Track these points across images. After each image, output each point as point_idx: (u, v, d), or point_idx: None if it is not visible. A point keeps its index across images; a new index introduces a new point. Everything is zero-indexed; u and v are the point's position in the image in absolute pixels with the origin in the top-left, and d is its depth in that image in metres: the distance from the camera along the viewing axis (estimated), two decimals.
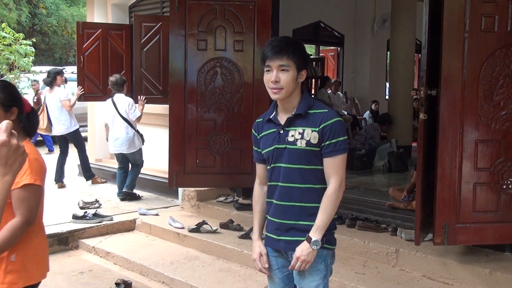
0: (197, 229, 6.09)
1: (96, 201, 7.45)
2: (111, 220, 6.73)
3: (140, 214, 6.97)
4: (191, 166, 6.37)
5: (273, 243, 2.84)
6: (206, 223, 6.13)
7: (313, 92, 13.09)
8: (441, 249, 4.79)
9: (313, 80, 13.28)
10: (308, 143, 2.68)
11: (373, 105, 12.75)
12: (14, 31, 13.83)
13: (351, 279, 4.67)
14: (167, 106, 6.53)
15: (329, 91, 12.79)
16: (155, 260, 5.65)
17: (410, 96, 9.65)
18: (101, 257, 6.09)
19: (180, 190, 7.19)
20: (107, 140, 7.87)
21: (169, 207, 7.37)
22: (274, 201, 2.82)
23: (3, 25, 13.86)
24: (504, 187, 4.29)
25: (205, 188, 6.92)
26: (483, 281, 4.39)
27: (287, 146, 2.72)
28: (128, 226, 6.78)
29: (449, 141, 4.24)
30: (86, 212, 6.76)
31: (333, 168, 2.69)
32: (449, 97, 4.22)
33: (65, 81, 9.25)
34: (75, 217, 6.66)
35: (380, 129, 9.78)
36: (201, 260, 5.60)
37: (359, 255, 5.19)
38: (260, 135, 2.85)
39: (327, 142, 2.66)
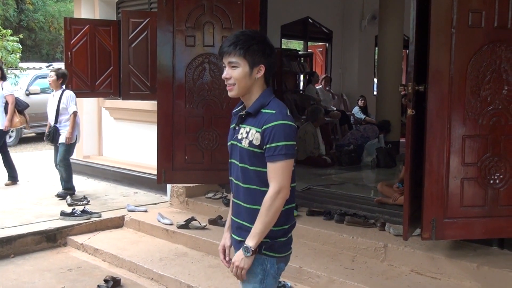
0: (186, 225, 6.09)
1: (84, 197, 7.43)
2: (100, 217, 6.71)
3: (129, 210, 6.96)
4: (179, 163, 6.36)
5: (232, 240, 2.84)
6: (195, 220, 6.13)
7: (301, 87, 13.10)
8: (429, 244, 4.81)
9: (301, 76, 13.27)
10: (251, 143, 2.60)
11: (360, 101, 12.77)
12: (1, 27, 13.72)
13: (339, 274, 4.69)
14: (155, 102, 6.51)
15: (319, 87, 12.83)
16: (144, 256, 5.65)
17: (398, 92, 9.68)
18: (89, 254, 6.07)
19: (169, 186, 7.18)
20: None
21: (158, 203, 7.36)
22: (231, 197, 2.83)
23: None
24: (491, 182, 4.32)
25: (194, 185, 6.92)
26: (471, 275, 4.42)
27: (237, 143, 2.68)
28: (117, 223, 6.76)
29: (437, 137, 4.26)
30: (74, 209, 6.73)
31: (272, 173, 2.57)
32: (436, 93, 4.24)
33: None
34: (63, 214, 6.63)
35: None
36: (190, 256, 5.60)
37: (348, 250, 5.20)
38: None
39: (268, 146, 2.55)
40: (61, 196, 7.63)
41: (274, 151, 2.54)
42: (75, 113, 7.64)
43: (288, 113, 2.64)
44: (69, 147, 7.71)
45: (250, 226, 2.62)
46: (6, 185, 8.57)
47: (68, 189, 7.75)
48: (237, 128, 2.72)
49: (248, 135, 2.62)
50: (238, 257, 2.62)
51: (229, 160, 2.79)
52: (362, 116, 12.52)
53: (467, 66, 4.23)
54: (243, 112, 2.69)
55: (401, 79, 10.77)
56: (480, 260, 4.51)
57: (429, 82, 4.23)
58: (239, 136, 2.67)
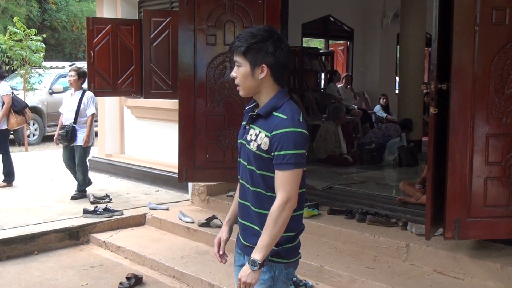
0: (207, 223, 6.11)
1: (107, 195, 7.48)
2: (122, 214, 6.76)
3: (150, 208, 6.99)
4: (200, 161, 6.38)
5: (237, 240, 2.77)
6: (216, 218, 6.15)
7: (322, 86, 13.06)
8: (452, 244, 4.77)
9: (322, 74, 13.23)
10: (259, 147, 2.49)
11: (381, 99, 12.69)
12: (25, 27, 13.87)
13: (361, 273, 4.66)
14: (177, 101, 6.54)
15: (340, 85, 12.78)
16: (165, 254, 5.68)
17: (420, 90, 9.53)
18: (111, 251, 6.11)
19: (190, 184, 7.21)
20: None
21: (179, 201, 7.39)
22: (237, 197, 2.76)
23: (15, 19, 13.90)
24: None
25: (215, 183, 6.93)
26: (494, 276, 4.37)
27: (246, 144, 2.59)
28: (139, 221, 6.81)
29: (460, 135, 4.21)
30: (97, 206, 6.79)
31: (280, 182, 2.44)
32: (459, 91, 4.20)
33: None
34: (86, 211, 6.69)
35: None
36: (211, 255, 5.61)
37: (369, 249, 5.18)
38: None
39: (276, 153, 2.42)
40: (75, 198, 7.60)
41: (283, 159, 2.42)
42: (93, 115, 7.64)
43: (301, 119, 2.51)
44: (87, 149, 7.68)
45: (258, 230, 2.54)
46: (1, 186, 8.36)
47: (83, 191, 7.73)
48: (247, 127, 2.63)
49: (257, 138, 2.51)
50: (245, 272, 2.48)
51: (238, 159, 2.71)
52: (384, 115, 12.45)
53: (490, 64, 4.18)
54: (254, 113, 2.58)
55: (423, 77, 10.69)
56: (504, 260, 4.46)
57: (452, 80, 4.19)
58: (248, 137, 2.57)
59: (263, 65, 2.49)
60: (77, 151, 7.62)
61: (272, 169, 2.48)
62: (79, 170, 7.67)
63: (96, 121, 8.36)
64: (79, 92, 7.64)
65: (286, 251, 2.58)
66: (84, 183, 7.74)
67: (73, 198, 7.60)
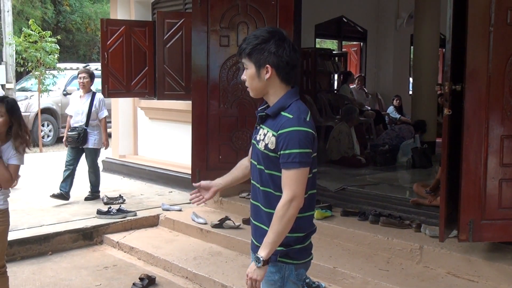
0: (220, 224, 6.11)
1: (120, 196, 7.51)
2: (135, 215, 6.79)
3: (164, 209, 7.01)
4: (213, 162, 6.38)
5: (251, 243, 2.77)
6: (229, 219, 6.15)
7: (335, 87, 13.03)
8: (466, 246, 4.73)
9: (335, 75, 13.20)
10: (266, 146, 2.52)
11: (395, 100, 12.64)
12: (40, 28, 13.97)
13: (374, 275, 4.65)
14: (190, 102, 6.55)
15: (353, 86, 12.74)
16: (178, 255, 5.69)
17: (434, 91, 9.55)
18: (125, 252, 6.14)
19: None
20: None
21: None
22: (251, 199, 2.77)
23: (30, 21, 14.02)
24: None
25: None
26: (509, 278, 4.33)
27: (256, 144, 2.62)
28: (152, 222, 6.83)
29: (474, 137, 4.19)
30: (110, 207, 6.82)
31: (286, 181, 2.46)
32: (474, 92, 4.17)
33: None
34: (99, 212, 6.72)
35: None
36: (224, 256, 5.62)
37: (383, 251, 5.16)
38: None
39: (282, 152, 2.45)
40: (89, 199, 7.60)
41: (288, 158, 2.44)
42: (106, 118, 7.64)
43: (308, 119, 2.52)
44: (98, 151, 7.66)
45: (268, 230, 2.54)
46: None
47: (96, 192, 7.72)
48: (257, 128, 2.66)
49: (265, 137, 2.54)
50: (251, 268, 2.52)
51: (250, 160, 2.75)
52: (397, 116, 12.39)
53: (505, 65, 4.15)
54: (263, 113, 2.60)
55: (437, 78, 10.63)
56: None
57: (466, 81, 4.16)
58: (258, 137, 2.61)
59: (267, 65, 2.52)
60: (89, 154, 7.59)
61: (280, 169, 2.49)
62: (91, 172, 7.66)
63: (109, 122, 8.32)
64: (89, 94, 7.59)
65: (295, 252, 2.59)
66: (97, 184, 7.75)
67: (87, 199, 7.61)
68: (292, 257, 2.59)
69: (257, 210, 2.67)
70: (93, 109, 7.51)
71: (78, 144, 7.44)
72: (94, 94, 7.61)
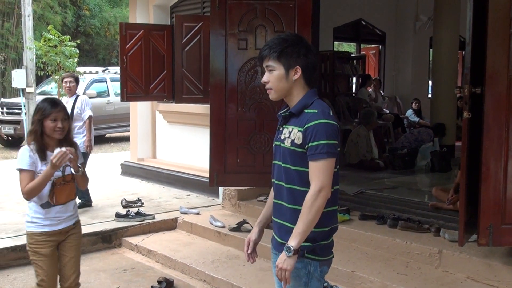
0: (238, 228, 6.11)
1: (139, 200, 7.54)
2: (153, 218, 6.81)
3: (182, 213, 7.04)
4: (231, 166, 6.38)
5: (273, 241, 2.88)
6: (247, 222, 6.15)
7: (353, 90, 12.98)
8: (485, 250, 4.69)
9: (354, 78, 13.16)
10: (293, 143, 2.63)
11: (414, 103, 12.56)
12: (59, 33, 14.11)
13: (393, 279, 4.62)
14: (208, 105, 6.56)
15: (370, 90, 12.69)
16: (196, 258, 5.70)
17: (453, 95, 9.48)
18: (143, 255, 6.16)
19: (221, 189, 7.23)
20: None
21: (210, 206, 7.42)
22: (271, 197, 2.88)
23: (49, 27, 14.17)
24: None
25: (246, 188, 6.94)
26: None
27: (280, 144, 2.72)
28: (170, 225, 6.85)
29: (494, 140, 4.14)
30: (129, 210, 6.86)
31: (314, 172, 2.57)
32: (494, 95, 4.13)
33: None
34: (118, 215, 6.76)
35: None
36: (242, 259, 5.62)
37: (401, 255, 5.12)
38: None
39: (309, 144, 2.56)
40: (79, 207, 6.85)
41: (316, 149, 2.55)
42: (90, 118, 7.28)
43: (331, 113, 2.65)
44: (86, 156, 7.14)
45: (291, 227, 2.62)
46: None
47: (87, 201, 7.38)
48: (280, 129, 2.77)
49: (291, 134, 2.65)
50: (281, 258, 2.59)
51: (272, 162, 2.82)
52: (416, 119, 12.32)
53: None
54: (287, 112, 2.73)
55: (456, 81, 10.56)
56: None
57: (486, 84, 4.13)
58: (282, 136, 2.71)
59: (297, 66, 2.66)
60: None
61: (307, 164, 2.60)
62: None
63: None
64: (73, 98, 7.31)
65: (321, 248, 2.70)
66: (86, 192, 7.27)
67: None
68: (318, 254, 2.68)
69: (280, 208, 2.76)
70: (76, 111, 7.21)
71: None
72: (77, 96, 7.36)
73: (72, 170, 3.67)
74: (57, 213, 3.71)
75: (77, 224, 3.94)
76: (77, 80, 7.47)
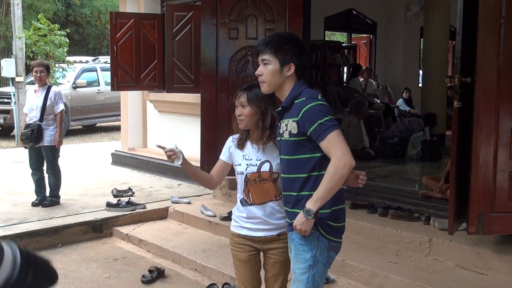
0: (229, 217, 6.10)
1: (129, 189, 7.54)
2: (144, 208, 6.81)
3: (173, 202, 7.04)
4: None
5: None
6: None
7: (344, 80, 13.00)
8: (475, 239, 4.72)
9: (345, 68, 13.16)
10: (290, 133, 2.74)
11: (404, 93, 12.60)
12: (49, 22, 14.00)
13: (383, 267, 4.64)
14: (199, 95, 6.55)
15: (362, 79, 12.70)
16: (187, 248, 5.71)
17: (444, 84, 9.46)
18: (134, 244, 6.17)
19: None
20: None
21: (201, 195, 7.42)
22: (282, 191, 2.95)
23: (39, 15, 14.06)
24: None
25: None
26: None
27: (281, 138, 2.83)
28: (161, 214, 6.85)
29: (484, 130, 4.16)
30: (119, 200, 6.85)
31: (329, 146, 2.63)
32: (484, 85, 4.14)
33: None
34: (109, 205, 6.75)
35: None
36: None
37: (392, 244, 5.15)
38: None
39: (311, 129, 2.65)
40: (46, 206, 6.86)
41: (319, 129, 2.62)
42: (62, 112, 6.93)
43: (320, 97, 2.76)
44: (57, 149, 6.90)
45: (294, 194, 2.76)
46: None
47: (55, 197, 7.02)
48: (278, 124, 2.88)
49: (287, 126, 2.75)
50: (299, 220, 2.67)
51: (280, 157, 2.90)
52: (407, 109, 12.36)
53: None
54: (280, 108, 2.84)
55: (447, 71, 10.57)
56: None
57: (477, 73, 4.14)
58: (280, 131, 2.83)
59: (292, 63, 2.79)
60: (45, 153, 6.85)
61: (307, 149, 2.70)
62: (50, 174, 6.97)
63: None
64: (44, 88, 6.87)
65: (327, 226, 2.77)
66: (57, 187, 7.03)
67: (44, 205, 6.87)
68: (329, 232, 2.78)
69: (289, 198, 2.84)
70: (48, 103, 6.81)
71: (33, 142, 6.71)
72: (49, 87, 6.94)
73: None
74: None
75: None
76: (48, 69, 6.99)
